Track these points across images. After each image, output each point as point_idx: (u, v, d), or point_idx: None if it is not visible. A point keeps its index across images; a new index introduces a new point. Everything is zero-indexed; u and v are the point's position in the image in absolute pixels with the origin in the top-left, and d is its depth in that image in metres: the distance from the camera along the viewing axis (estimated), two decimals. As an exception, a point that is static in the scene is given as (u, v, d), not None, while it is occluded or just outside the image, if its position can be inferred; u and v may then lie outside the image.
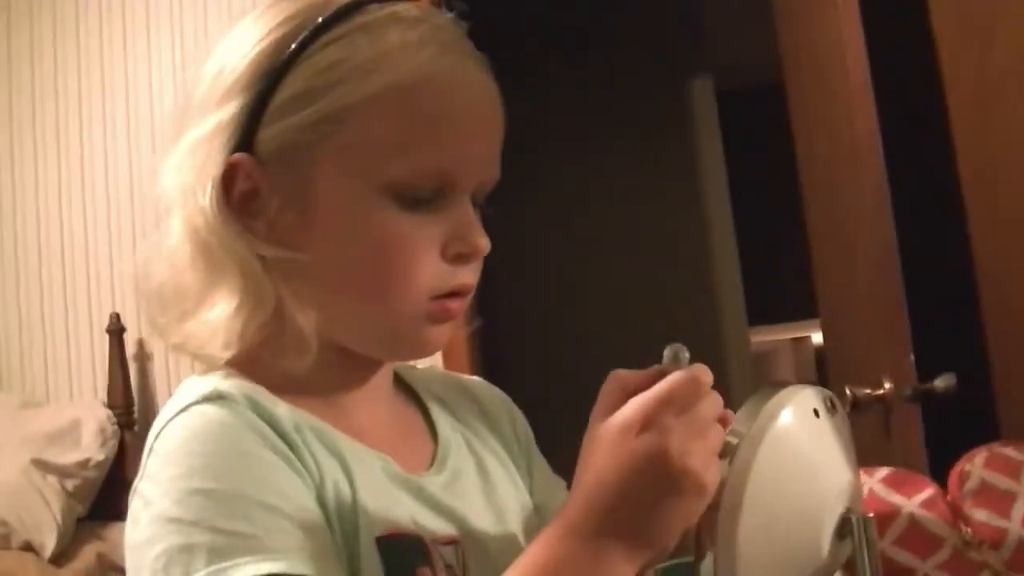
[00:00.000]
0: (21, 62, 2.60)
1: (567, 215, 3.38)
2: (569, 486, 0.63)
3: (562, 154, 3.35)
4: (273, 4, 0.73)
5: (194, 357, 0.72)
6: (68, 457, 2.17)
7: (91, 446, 2.21)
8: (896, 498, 1.30)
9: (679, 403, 0.59)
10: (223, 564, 0.59)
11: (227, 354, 0.71)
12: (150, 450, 0.66)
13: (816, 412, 0.67)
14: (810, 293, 2.17)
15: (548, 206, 3.31)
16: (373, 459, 0.71)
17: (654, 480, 0.58)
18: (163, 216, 0.72)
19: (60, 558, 2.07)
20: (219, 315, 0.69)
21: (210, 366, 0.71)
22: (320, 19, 0.69)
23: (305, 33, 0.69)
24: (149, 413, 2.41)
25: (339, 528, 0.66)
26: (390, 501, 0.69)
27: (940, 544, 1.26)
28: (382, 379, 0.78)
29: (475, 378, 0.91)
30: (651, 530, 0.59)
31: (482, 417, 0.85)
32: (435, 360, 0.84)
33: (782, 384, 0.68)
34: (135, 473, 0.67)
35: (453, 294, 0.71)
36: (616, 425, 0.60)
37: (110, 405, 2.35)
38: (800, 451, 0.65)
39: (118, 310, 2.41)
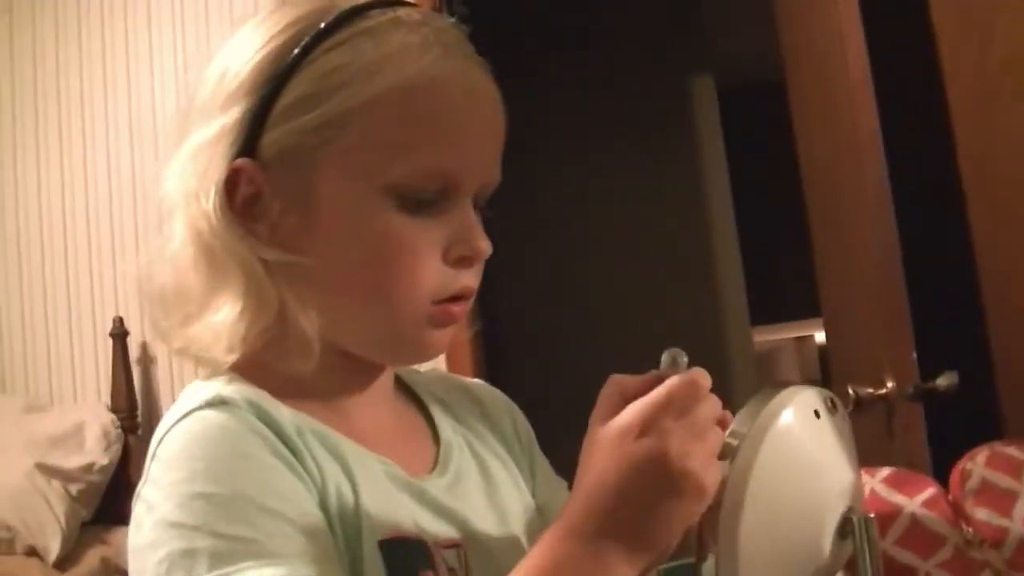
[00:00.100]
0: (24, 62, 2.61)
1: (567, 215, 3.38)
2: (570, 489, 0.64)
3: (562, 154, 3.35)
4: (276, 9, 0.74)
5: (197, 361, 0.72)
6: (72, 461, 2.17)
7: (95, 450, 2.21)
8: (898, 498, 1.30)
9: (678, 407, 0.60)
10: (225, 569, 0.59)
11: (230, 358, 0.71)
12: (153, 455, 0.66)
13: (817, 413, 0.67)
14: (813, 292, 2.17)
15: (548, 206, 3.31)
16: (375, 462, 0.71)
17: (654, 482, 0.58)
18: (166, 220, 0.72)
19: (64, 562, 2.08)
20: (222, 319, 0.69)
21: (213, 370, 0.71)
22: (323, 24, 0.70)
23: (308, 38, 0.69)
24: (153, 416, 2.41)
25: (341, 532, 0.66)
26: (392, 504, 0.70)
27: (942, 543, 1.26)
28: (384, 382, 0.78)
29: (476, 380, 0.92)
30: (651, 532, 0.59)
31: (484, 419, 0.86)
32: (438, 362, 0.84)
33: (783, 385, 0.68)
34: (139, 477, 0.67)
35: (455, 298, 0.71)
36: (616, 429, 0.60)
37: (114, 409, 2.35)
38: (801, 451, 0.65)
39: (121, 313, 2.42)
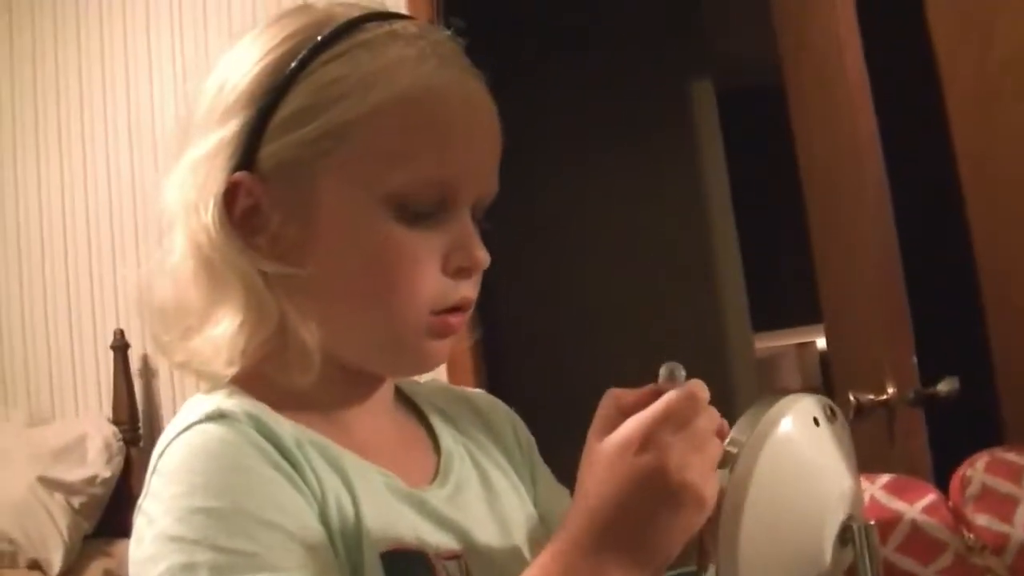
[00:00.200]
0: (23, 63, 2.61)
1: (566, 218, 3.38)
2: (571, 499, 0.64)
3: (562, 155, 3.35)
4: (274, 22, 0.74)
5: (198, 375, 0.72)
6: (74, 474, 2.17)
7: (97, 462, 2.21)
8: (898, 504, 1.30)
9: (677, 420, 0.60)
10: None
11: (231, 371, 0.72)
12: (154, 469, 0.66)
13: (816, 420, 0.67)
14: (814, 297, 2.16)
15: (547, 209, 3.31)
16: (375, 474, 0.71)
17: (654, 495, 0.59)
18: (166, 233, 0.73)
19: (67, 575, 2.07)
20: (223, 332, 0.70)
21: (214, 383, 0.72)
22: (320, 37, 0.70)
23: (305, 51, 0.70)
24: (154, 429, 2.41)
25: (342, 544, 0.66)
26: (393, 516, 0.70)
27: (942, 550, 1.26)
28: (384, 394, 0.78)
29: (477, 390, 0.92)
30: (651, 543, 0.59)
31: (485, 428, 0.86)
32: (439, 370, 0.84)
33: (782, 393, 0.68)
34: (141, 490, 0.67)
35: (454, 309, 0.71)
36: (615, 444, 0.60)
37: (115, 421, 2.35)
38: (800, 459, 0.66)
39: (122, 326, 2.41)
